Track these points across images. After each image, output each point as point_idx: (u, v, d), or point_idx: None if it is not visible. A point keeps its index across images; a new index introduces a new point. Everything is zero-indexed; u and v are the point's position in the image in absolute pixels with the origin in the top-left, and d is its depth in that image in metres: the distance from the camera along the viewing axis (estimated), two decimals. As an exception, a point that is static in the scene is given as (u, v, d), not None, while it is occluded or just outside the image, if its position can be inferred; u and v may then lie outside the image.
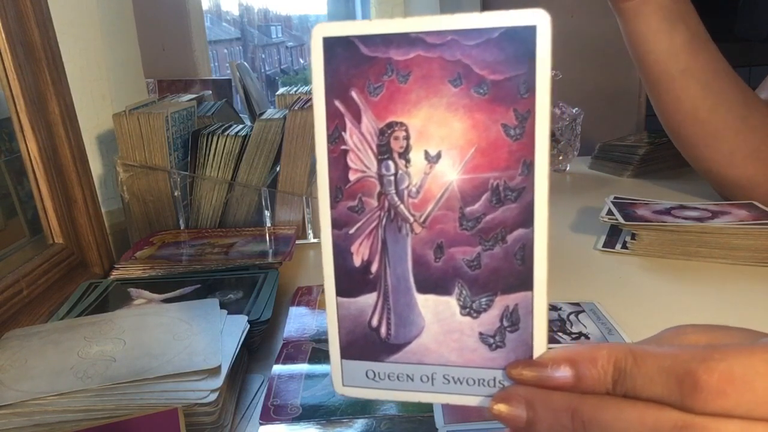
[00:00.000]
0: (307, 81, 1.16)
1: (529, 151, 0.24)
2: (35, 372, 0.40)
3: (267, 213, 0.76)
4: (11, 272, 0.54)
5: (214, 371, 0.39)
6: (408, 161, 0.25)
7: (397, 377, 0.28)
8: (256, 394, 0.44)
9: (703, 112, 0.74)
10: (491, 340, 0.26)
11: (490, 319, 0.26)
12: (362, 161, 0.26)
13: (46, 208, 0.61)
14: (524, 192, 0.25)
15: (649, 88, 0.77)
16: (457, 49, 0.24)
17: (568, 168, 1.05)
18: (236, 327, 0.45)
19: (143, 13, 1.01)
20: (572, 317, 0.51)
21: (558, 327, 0.50)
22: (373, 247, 0.27)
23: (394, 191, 0.26)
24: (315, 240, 0.77)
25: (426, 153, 0.25)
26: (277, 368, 0.45)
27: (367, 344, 0.27)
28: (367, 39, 0.25)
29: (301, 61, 2.51)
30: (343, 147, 0.26)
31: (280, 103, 0.87)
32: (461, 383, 0.27)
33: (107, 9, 0.79)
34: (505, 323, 0.26)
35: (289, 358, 0.46)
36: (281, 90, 0.92)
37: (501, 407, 0.25)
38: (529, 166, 0.25)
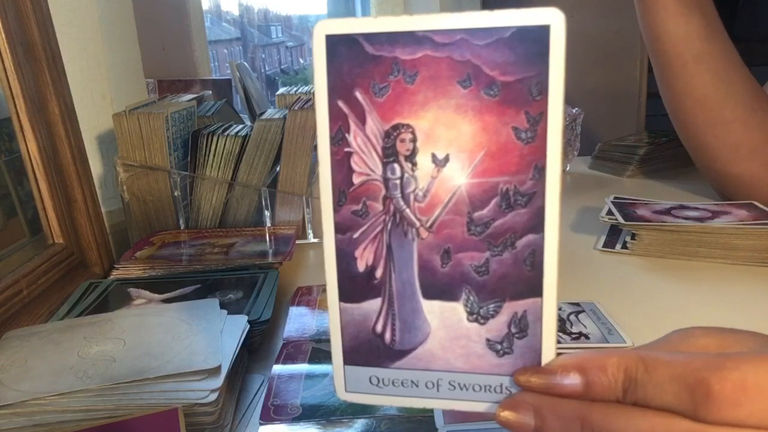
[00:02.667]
0: (307, 81, 1.16)
1: (541, 155, 0.24)
2: (35, 372, 0.40)
3: (267, 213, 0.76)
4: (11, 272, 0.54)
5: (214, 371, 0.39)
6: (414, 164, 0.25)
7: (402, 383, 0.27)
8: (256, 394, 0.44)
9: (712, 101, 0.74)
10: (499, 347, 0.26)
11: (497, 325, 0.26)
12: (366, 164, 0.25)
13: (46, 208, 0.61)
14: (535, 197, 0.24)
15: (660, 73, 0.77)
16: (467, 48, 0.23)
17: (568, 168, 1.05)
18: (236, 327, 0.45)
19: (143, 13, 1.01)
20: (572, 317, 0.51)
21: (558, 327, 0.49)
22: (377, 251, 0.26)
23: (399, 195, 0.25)
24: (315, 240, 0.77)
25: (433, 156, 0.24)
26: (277, 368, 0.45)
27: (371, 350, 0.27)
28: (372, 37, 0.24)
29: (301, 61, 2.51)
30: (346, 149, 0.25)
31: (280, 103, 0.87)
32: (467, 389, 0.26)
33: (107, 9, 0.79)
34: (513, 330, 0.26)
35: (289, 358, 0.46)
36: (281, 90, 0.92)
37: (508, 414, 0.25)
38: (540, 171, 0.24)
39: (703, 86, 0.74)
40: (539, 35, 0.23)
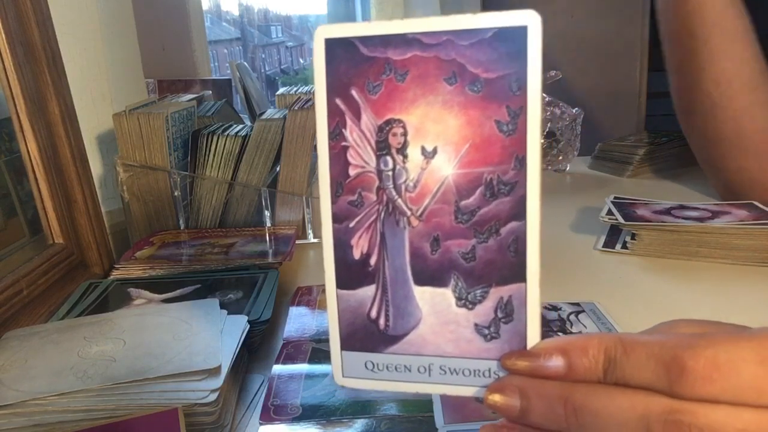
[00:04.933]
0: (307, 81, 1.17)
1: (522, 146, 0.25)
2: (35, 372, 0.40)
3: (267, 213, 0.76)
4: (11, 272, 0.54)
5: (214, 371, 0.39)
6: (405, 157, 0.26)
7: (396, 368, 0.28)
8: (256, 394, 0.44)
9: (756, 78, 0.73)
10: (486, 331, 0.27)
11: (485, 310, 0.27)
12: (362, 157, 0.27)
13: (46, 208, 0.61)
14: (517, 186, 0.26)
15: (711, 57, 0.74)
16: (452, 48, 0.25)
17: (568, 168, 1.05)
18: (236, 327, 0.45)
19: (143, 13, 1.01)
20: (572, 317, 0.51)
21: (558, 327, 0.50)
22: (372, 240, 0.27)
23: (392, 186, 0.27)
24: (315, 240, 0.77)
25: (423, 149, 0.26)
26: (277, 368, 0.45)
27: (366, 335, 0.28)
28: (366, 40, 0.26)
29: (301, 61, 2.51)
30: (343, 143, 0.27)
31: (280, 103, 0.87)
32: (457, 374, 0.27)
33: (107, 9, 0.79)
34: (500, 314, 0.27)
35: (289, 358, 0.46)
36: (281, 90, 0.92)
37: (495, 397, 0.26)
38: (521, 161, 0.25)
39: (752, 62, 0.72)
40: (518, 35, 0.25)
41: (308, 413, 0.39)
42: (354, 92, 0.26)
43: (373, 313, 0.28)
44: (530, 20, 0.24)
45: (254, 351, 0.50)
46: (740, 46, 0.72)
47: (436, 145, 0.26)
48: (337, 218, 0.27)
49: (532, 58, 0.24)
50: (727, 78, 0.74)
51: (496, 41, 0.25)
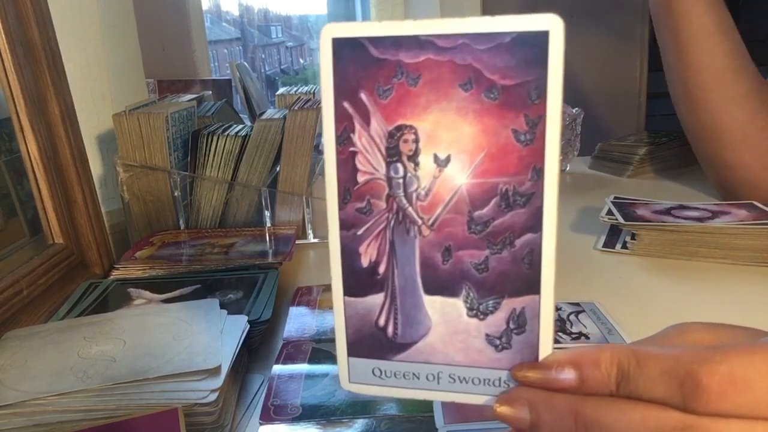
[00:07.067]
0: (307, 81, 1.16)
1: (539, 157, 0.24)
2: (35, 372, 0.40)
3: (267, 213, 0.76)
4: (11, 272, 0.54)
5: (214, 371, 0.39)
6: (417, 164, 0.25)
7: (404, 375, 0.28)
8: (256, 394, 0.44)
9: (732, 72, 0.73)
10: (497, 342, 0.26)
11: (496, 321, 0.26)
12: (371, 163, 0.26)
13: (46, 208, 0.61)
14: (533, 197, 0.25)
15: (682, 47, 0.75)
16: (468, 53, 0.24)
17: (568, 168, 1.05)
18: (236, 327, 0.45)
19: (143, 13, 1.01)
20: (572, 317, 0.51)
21: (558, 327, 0.50)
22: (380, 248, 0.27)
23: (402, 194, 0.26)
24: (315, 240, 0.77)
25: (435, 156, 0.25)
26: (277, 368, 0.45)
27: (373, 343, 0.28)
28: (377, 41, 0.25)
29: (301, 61, 2.51)
30: (351, 149, 0.26)
31: (280, 103, 0.87)
32: (467, 382, 0.27)
33: (107, 9, 0.79)
34: (512, 325, 0.26)
35: (289, 358, 0.46)
36: (281, 90, 0.92)
37: (505, 409, 0.25)
38: (538, 172, 0.24)
39: (724, 57, 0.73)
40: (538, 41, 0.23)
41: (308, 413, 0.39)
42: (363, 96, 0.25)
43: (381, 321, 0.27)
44: (552, 25, 0.23)
45: (254, 351, 0.50)
46: (712, 39, 0.73)
47: (450, 153, 0.25)
48: (344, 225, 0.27)
49: (553, 65, 0.23)
50: (698, 70, 0.74)
51: (515, 46, 0.23)
